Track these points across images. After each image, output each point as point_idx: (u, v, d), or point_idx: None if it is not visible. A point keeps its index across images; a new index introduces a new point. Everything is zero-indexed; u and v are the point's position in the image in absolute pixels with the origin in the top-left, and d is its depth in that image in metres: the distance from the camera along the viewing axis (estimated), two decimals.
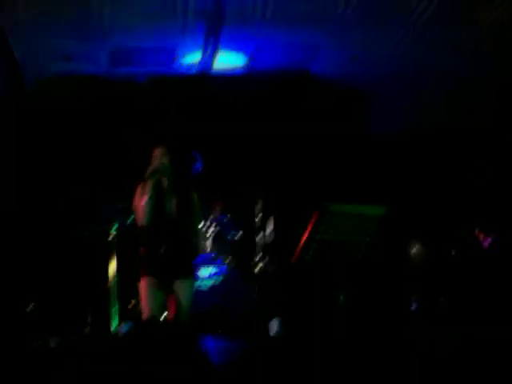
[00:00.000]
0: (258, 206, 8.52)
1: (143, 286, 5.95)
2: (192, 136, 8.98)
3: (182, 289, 5.96)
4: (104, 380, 3.90)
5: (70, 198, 9.08)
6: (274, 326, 7.74)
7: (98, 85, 8.63)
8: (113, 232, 7.65)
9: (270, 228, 8.59)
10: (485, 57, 8.26)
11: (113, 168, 8.95)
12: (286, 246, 7.63)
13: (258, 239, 8.42)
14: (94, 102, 8.96)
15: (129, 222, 7.27)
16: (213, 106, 9.18)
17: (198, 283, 7.77)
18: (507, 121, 9.38)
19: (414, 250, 8.44)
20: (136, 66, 8.33)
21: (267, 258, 8.39)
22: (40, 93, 8.68)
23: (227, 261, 8.09)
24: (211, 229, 8.17)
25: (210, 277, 7.92)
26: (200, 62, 8.26)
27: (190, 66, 8.37)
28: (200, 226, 8.04)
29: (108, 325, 7.60)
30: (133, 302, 7.46)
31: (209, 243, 8.17)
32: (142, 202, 5.88)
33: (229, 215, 8.42)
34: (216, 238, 8.15)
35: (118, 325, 7.59)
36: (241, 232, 8.29)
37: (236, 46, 7.98)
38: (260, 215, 8.54)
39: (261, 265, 8.30)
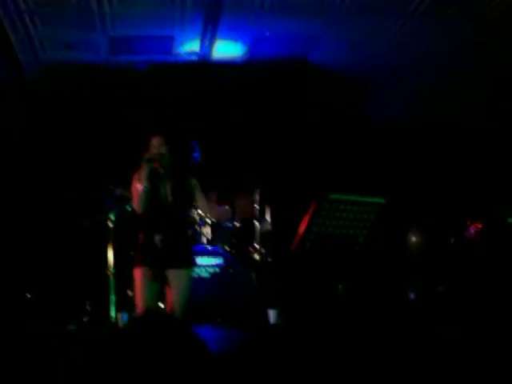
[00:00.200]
0: (255, 195, 8.52)
1: (138, 276, 5.95)
2: (191, 124, 9.00)
3: (178, 278, 5.94)
4: (101, 370, 3.91)
5: (69, 186, 9.08)
6: (272, 315, 7.77)
7: (98, 73, 8.62)
8: (112, 220, 7.65)
9: (268, 217, 8.61)
10: (482, 48, 8.28)
11: (113, 155, 8.96)
12: (284, 235, 7.66)
13: (256, 228, 8.42)
14: (94, 91, 8.96)
15: (129, 209, 7.27)
16: (212, 95, 9.19)
17: (196, 272, 7.80)
18: (502, 112, 9.41)
19: (413, 239, 8.48)
20: (136, 55, 8.33)
21: (266, 247, 8.40)
22: (40, 81, 8.67)
23: (226, 249, 8.10)
24: (207, 218, 8.16)
25: (208, 266, 7.93)
26: (199, 51, 8.27)
27: (190, 55, 8.37)
28: (201, 214, 8.07)
29: (107, 313, 7.62)
30: (130, 291, 7.47)
31: (207, 232, 8.17)
32: (137, 189, 5.89)
33: (226, 203, 8.43)
34: (214, 227, 8.15)
35: (117, 313, 7.60)
36: (239, 221, 8.30)
37: (234, 35, 7.97)
38: (258, 204, 8.54)
39: (260, 254, 8.32)
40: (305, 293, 7.89)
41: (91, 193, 8.50)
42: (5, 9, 7.04)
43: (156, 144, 5.94)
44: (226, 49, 8.27)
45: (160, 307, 6.27)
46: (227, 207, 8.40)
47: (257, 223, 8.41)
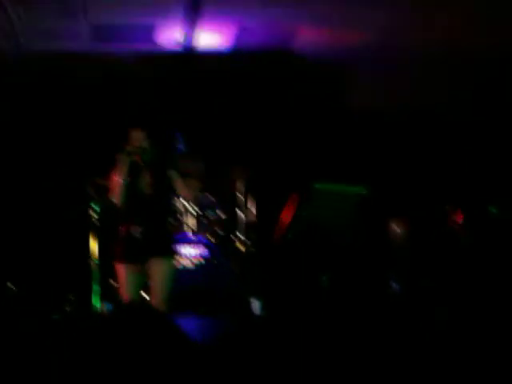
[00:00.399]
0: (239, 184, 8.52)
1: (120, 269, 5.96)
2: (174, 114, 8.97)
3: (159, 268, 5.93)
4: (83, 360, 3.89)
5: (52, 178, 9.04)
6: (256, 306, 7.77)
7: (79, 62, 8.57)
8: (96, 211, 7.63)
9: (251, 206, 8.60)
10: (466, 34, 8.28)
11: (95, 146, 8.91)
12: (268, 225, 7.66)
13: (240, 218, 8.42)
14: (75, 79, 8.91)
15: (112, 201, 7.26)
16: (195, 85, 9.16)
17: (180, 262, 7.79)
18: (487, 103, 9.42)
19: (396, 229, 8.48)
20: (118, 43, 8.28)
21: (249, 237, 8.40)
22: (22, 70, 8.61)
23: (210, 240, 8.09)
24: (191, 207, 8.16)
25: (192, 256, 7.93)
26: (183, 40, 8.23)
27: (173, 44, 8.33)
28: (184, 205, 8.06)
29: (91, 304, 7.61)
30: (114, 282, 7.46)
31: (192, 222, 8.16)
32: (116, 183, 5.88)
33: (210, 194, 8.41)
34: (198, 217, 8.15)
35: (101, 304, 7.59)
36: (223, 211, 8.29)
37: (218, 24, 7.95)
38: (242, 193, 8.54)
39: (244, 244, 8.31)
40: (289, 283, 7.89)
41: (74, 183, 8.46)
42: None
43: (136, 137, 5.93)
44: (209, 38, 8.24)
45: (144, 298, 6.27)
46: (210, 196, 8.38)
47: (241, 213, 8.41)
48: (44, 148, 9.14)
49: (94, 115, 9.13)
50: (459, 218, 8.16)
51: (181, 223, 8.08)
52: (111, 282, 7.51)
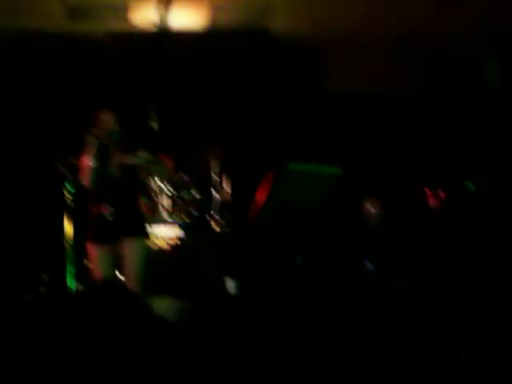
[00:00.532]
0: (214, 165, 8.50)
1: (92, 250, 6.02)
2: (148, 93, 8.93)
3: (131, 249, 5.98)
4: (54, 338, 3.90)
5: (26, 157, 8.98)
6: (230, 285, 7.78)
7: (52, 41, 8.51)
8: (70, 191, 7.59)
9: (226, 187, 8.59)
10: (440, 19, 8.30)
11: (69, 126, 8.84)
12: (243, 205, 7.65)
13: (214, 198, 8.41)
14: (49, 59, 8.84)
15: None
16: (170, 63, 9.11)
17: (155, 243, 7.78)
18: (460, 82, 9.46)
19: (370, 208, 8.50)
20: (93, 22, 8.23)
21: (224, 217, 8.40)
22: None
23: (185, 220, 8.08)
24: (167, 188, 8.13)
25: (167, 237, 7.92)
26: (157, 20, 8.19)
27: (148, 24, 8.29)
28: (159, 185, 8.04)
29: (64, 284, 7.58)
30: (88, 262, 7.44)
31: (166, 202, 8.14)
32: (85, 165, 5.90)
33: (184, 173, 8.38)
34: (173, 197, 8.13)
35: (75, 284, 7.57)
36: (197, 190, 8.27)
37: (192, 3, 7.92)
38: (216, 173, 8.53)
39: (219, 224, 8.31)
40: (263, 263, 7.90)
41: (49, 163, 8.41)
42: None
43: (105, 119, 5.93)
44: (182, 18, 8.20)
45: (117, 278, 6.27)
46: (185, 176, 8.35)
47: (215, 193, 8.39)
48: (16, 126, 9.07)
49: (67, 94, 9.05)
50: (435, 196, 8.19)
51: (155, 203, 8.06)
52: (85, 262, 7.49)
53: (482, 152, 8.71)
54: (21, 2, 7.62)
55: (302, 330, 5.65)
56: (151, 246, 7.07)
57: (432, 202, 8.17)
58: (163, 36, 8.52)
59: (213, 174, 8.47)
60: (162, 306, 6.27)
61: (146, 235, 6.12)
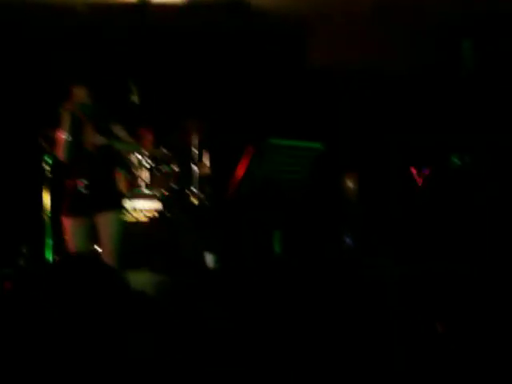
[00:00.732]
0: (194, 139, 8.49)
1: (67, 224, 6.02)
2: (129, 67, 8.87)
3: (106, 222, 5.99)
4: (32, 314, 3.89)
5: (3, 130, 8.92)
6: (209, 260, 7.79)
7: (30, 12, 8.43)
8: (49, 163, 7.55)
9: (206, 161, 8.58)
10: None
11: (48, 99, 8.78)
12: (222, 179, 7.64)
13: (194, 172, 8.40)
14: (25, 31, 8.76)
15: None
16: (150, 36, 9.05)
17: (134, 216, 7.78)
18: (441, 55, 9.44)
19: (350, 184, 8.52)
20: None
21: (203, 191, 8.39)
22: None
23: (164, 194, 8.07)
24: (145, 161, 8.11)
25: (146, 210, 7.92)
26: None
27: None
28: (138, 158, 8.02)
29: (44, 257, 7.56)
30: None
31: (145, 176, 8.12)
32: (59, 138, 5.91)
33: (164, 147, 8.36)
34: (152, 170, 8.11)
35: (53, 257, 7.55)
36: (177, 164, 8.25)
37: None
38: (196, 147, 8.51)
39: (198, 198, 8.31)
40: (242, 237, 7.91)
41: (28, 136, 8.36)
42: None
43: (78, 93, 5.94)
44: None
45: (93, 251, 6.27)
46: (164, 149, 8.33)
47: (195, 167, 8.39)
48: None
49: (45, 68, 8.97)
50: (418, 172, 8.22)
51: (134, 177, 8.04)
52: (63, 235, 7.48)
53: (460, 132, 8.73)
54: None
55: (281, 305, 5.66)
56: (127, 219, 7.07)
57: (415, 178, 8.20)
58: (143, 8, 8.46)
59: (193, 148, 8.46)
60: (140, 279, 6.25)
61: (121, 208, 6.14)
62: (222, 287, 6.37)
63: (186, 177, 8.32)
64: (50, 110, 6.21)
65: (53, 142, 6.23)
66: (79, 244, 5.96)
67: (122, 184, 7.61)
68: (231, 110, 9.36)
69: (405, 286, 5.69)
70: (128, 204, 7.54)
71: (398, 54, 9.28)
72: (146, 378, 4.07)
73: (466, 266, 6.17)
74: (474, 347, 4.93)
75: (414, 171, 8.25)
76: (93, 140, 5.94)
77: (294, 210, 7.50)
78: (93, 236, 6.04)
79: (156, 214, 7.93)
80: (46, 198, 7.57)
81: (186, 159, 8.39)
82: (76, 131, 5.91)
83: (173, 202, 8.04)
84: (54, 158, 7.40)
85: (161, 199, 7.96)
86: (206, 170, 8.52)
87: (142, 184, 8.05)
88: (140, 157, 8.04)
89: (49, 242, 7.50)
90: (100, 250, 6.12)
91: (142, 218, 7.91)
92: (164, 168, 8.20)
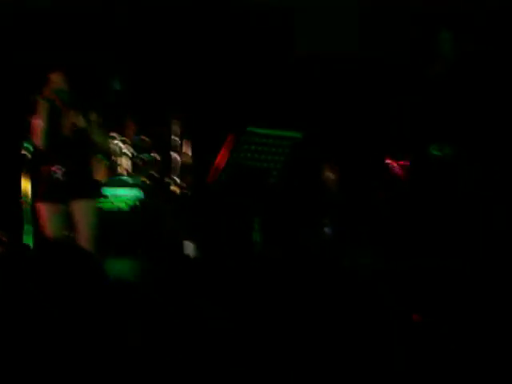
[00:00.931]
0: (175, 127, 8.48)
1: (42, 210, 6.07)
2: (110, 53, 8.85)
3: (82, 210, 6.04)
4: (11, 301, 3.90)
5: None
6: (189, 247, 7.80)
7: None
8: (29, 149, 7.53)
9: (186, 149, 8.58)
10: None
11: (28, 85, 8.74)
12: (202, 167, 7.65)
13: (174, 160, 8.39)
14: (10, 18, 8.72)
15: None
16: (132, 24, 9.02)
17: (115, 204, 7.77)
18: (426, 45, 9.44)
19: (329, 174, 8.54)
20: None
21: (184, 179, 8.39)
22: None
23: (145, 182, 8.06)
24: (126, 149, 8.10)
25: (127, 198, 7.90)
26: None
27: None
28: (119, 146, 8.01)
29: (23, 244, 7.56)
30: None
31: (126, 163, 8.11)
32: (36, 125, 5.92)
33: (145, 136, 8.35)
34: (133, 159, 8.10)
35: (33, 243, 7.54)
36: (158, 153, 8.25)
37: None
38: (177, 135, 8.50)
39: (178, 186, 8.30)
40: (222, 226, 7.93)
41: (9, 121, 8.34)
42: None
43: (55, 79, 5.94)
44: None
45: (68, 238, 6.28)
46: (144, 137, 8.31)
47: (175, 155, 8.38)
48: None
49: (25, 53, 8.92)
50: (398, 163, 8.23)
51: (115, 164, 8.03)
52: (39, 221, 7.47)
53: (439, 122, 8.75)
54: None
55: (261, 291, 5.67)
56: (107, 207, 7.09)
57: (395, 168, 8.21)
58: None
59: (173, 136, 8.45)
60: (121, 267, 6.27)
61: (97, 196, 6.18)
62: (203, 275, 6.38)
63: (166, 165, 8.33)
64: (28, 97, 6.21)
65: (31, 129, 6.23)
66: (55, 230, 5.98)
67: (101, 172, 7.60)
68: (212, 98, 9.34)
69: (384, 277, 5.71)
70: (109, 192, 7.54)
71: (379, 42, 9.29)
72: (123, 363, 4.09)
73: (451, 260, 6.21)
74: (466, 343, 4.97)
75: (393, 162, 8.26)
76: (74, 122, 5.94)
77: (274, 199, 7.51)
78: (69, 223, 6.06)
79: (136, 202, 7.93)
80: (26, 185, 7.55)
81: (166, 147, 8.39)
82: (53, 117, 5.91)
83: (153, 189, 8.04)
84: (34, 145, 7.39)
85: (141, 187, 7.96)
86: (187, 158, 8.51)
87: (124, 172, 8.04)
88: (121, 145, 8.03)
89: (27, 227, 7.50)
90: (76, 236, 6.13)
91: (123, 206, 7.90)
92: (145, 156, 8.20)
